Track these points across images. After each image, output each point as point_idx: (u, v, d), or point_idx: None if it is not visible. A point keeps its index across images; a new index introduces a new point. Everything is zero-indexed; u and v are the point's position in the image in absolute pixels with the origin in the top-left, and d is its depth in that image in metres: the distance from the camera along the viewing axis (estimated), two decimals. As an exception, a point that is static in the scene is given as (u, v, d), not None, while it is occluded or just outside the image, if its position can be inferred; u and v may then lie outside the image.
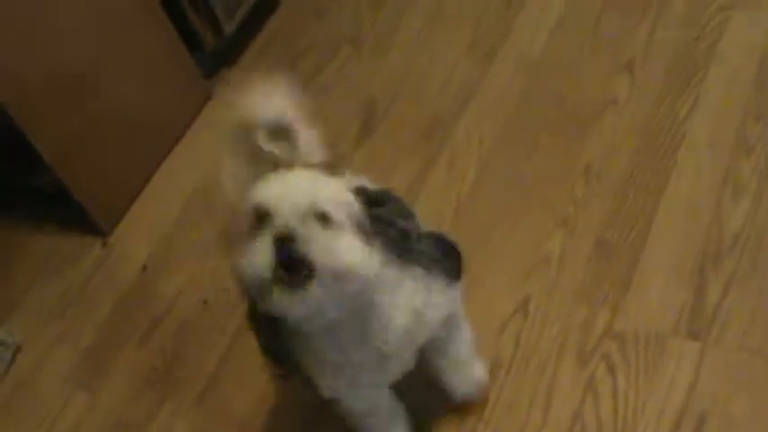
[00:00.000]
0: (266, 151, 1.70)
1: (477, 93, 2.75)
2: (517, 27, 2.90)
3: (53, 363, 2.55)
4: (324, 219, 1.53)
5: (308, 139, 1.78)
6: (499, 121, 2.65)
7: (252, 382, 2.30)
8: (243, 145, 1.74)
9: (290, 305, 1.52)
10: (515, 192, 2.45)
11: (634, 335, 2.10)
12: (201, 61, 3.03)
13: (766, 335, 2.04)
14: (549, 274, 2.26)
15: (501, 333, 2.18)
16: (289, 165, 1.69)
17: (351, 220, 1.57)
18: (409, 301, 1.70)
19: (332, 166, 1.69)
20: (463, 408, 2.07)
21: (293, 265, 1.49)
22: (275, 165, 1.70)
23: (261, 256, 1.50)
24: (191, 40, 2.98)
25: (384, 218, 1.63)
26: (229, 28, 3.06)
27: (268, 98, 1.76)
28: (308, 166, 1.68)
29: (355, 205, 1.60)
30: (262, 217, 1.53)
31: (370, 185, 1.72)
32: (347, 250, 1.54)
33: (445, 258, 1.77)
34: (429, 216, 2.43)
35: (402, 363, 1.81)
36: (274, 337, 1.70)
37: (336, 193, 1.59)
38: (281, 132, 1.73)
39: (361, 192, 1.63)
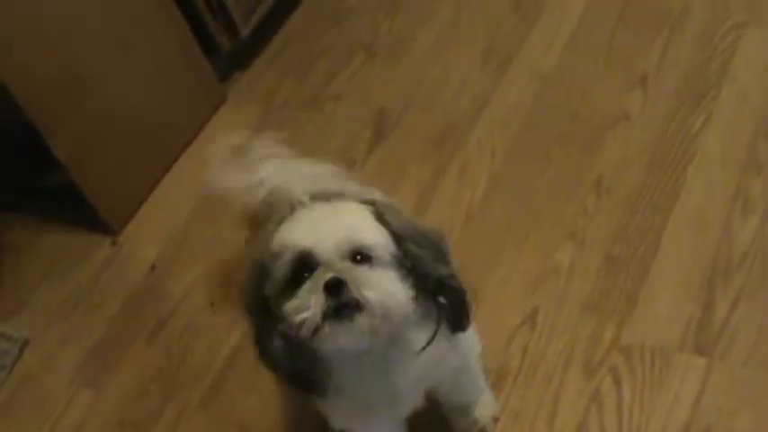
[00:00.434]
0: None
1: (490, 103, 2.76)
2: (531, 39, 2.90)
3: (60, 360, 2.56)
4: (367, 257, 1.57)
5: None
6: (511, 132, 2.66)
7: (257, 386, 2.31)
8: None
9: (339, 338, 1.56)
10: (525, 203, 2.46)
11: (641, 348, 2.10)
12: (217, 64, 3.04)
13: (773, 349, 2.05)
14: (558, 285, 2.26)
15: (509, 343, 2.19)
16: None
17: (388, 257, 1.60)
18: (428, 349, 1.70)
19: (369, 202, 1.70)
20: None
21: (344, 305, 1.53)
22: None
23: (313, 302, 1.53)
24: (206, 42, 2.99)
25: (417, 260, 1.64)
26: (245, 31, 3.07)
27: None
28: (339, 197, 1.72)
29: (391, 241, 1.61)
30: (306, 262, 1.56)
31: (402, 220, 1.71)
32: (393, 288, 1.58)
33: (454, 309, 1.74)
34: (440, 223, 2.46)
35: (412, 401, 1.82)
36: (292, 361, 1.69)
37: (375, 231, 1.61)
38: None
39: (394, 229, 1.64)
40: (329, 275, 1.53)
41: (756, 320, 2.09)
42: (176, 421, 2.32)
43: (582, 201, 2.41)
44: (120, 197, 2.81)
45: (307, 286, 1.55)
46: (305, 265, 1.56)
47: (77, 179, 2.66)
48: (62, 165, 2.62)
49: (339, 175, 2.00)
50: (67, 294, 2.70)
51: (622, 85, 2.66)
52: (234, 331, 2.43)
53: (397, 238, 1.62)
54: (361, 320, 1.54)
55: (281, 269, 1.58)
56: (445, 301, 1.69)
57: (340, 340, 1.57)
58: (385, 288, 1.56)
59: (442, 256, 1.69)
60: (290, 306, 1.56)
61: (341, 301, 1.52)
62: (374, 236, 1.60)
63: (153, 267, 2.67)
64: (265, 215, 1.86)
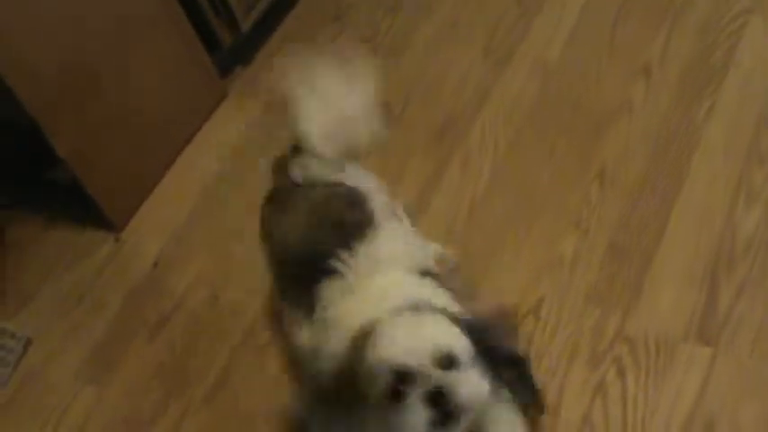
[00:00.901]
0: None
1: (492, 95, 2.75)
2: (533, 31, 2.89)
3: (63, 356, 2.55)
4: (455, 362, 1.62)
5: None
6: (513, 123, 2.65)
7: (260, 381, 2.31)
8: None
9: None
10: (529, 194, 2.46)
11: (645, 338, 2.10)
12: (218, 59, 3.03)
13: (777, 338, 2.05)
14: (562, 276, 2.26)
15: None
16: None
17: (469, 355, 1.64)
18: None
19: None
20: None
21: (448, 414, 1.59)
22: None
23: (419, 417, 1.58)
24: (208, 38, 2.98)
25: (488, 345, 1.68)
26: (246, 25, 3.07)
27: None
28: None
29: (468, 342, 1.66)
30: (403, 376, 1.60)
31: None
32: (482, 386, 1.63)
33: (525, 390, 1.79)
34: (443, 216, 2.45)
35: None
36: None
37: (458, 337, 1.66)
38: None
39: (464, 324, 1.69)
40: (429, 386, 1.58)
41: (760, 310, 2.09)
42: (181, 417, 2.32)
43: (585, 191, 2.40)
44: (123, 193, 2.80)
45: (409, 403, 1.59)
46: (403, 379, 1.60)
47: (80, 176, 2.65)
48: (64, 161, 2.61)
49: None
50: (70, 291, 2.70)
51: (625, 76, 2.66)
52: (237, 326, 2.43)
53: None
54: (461, 425, 1.59)
55: (378, 386, 1.62)
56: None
57: None
58: (478, 388, 1.62)
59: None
60: (395, 421, 1.60)
61: (444, 411, 1.57)
62: (458, 341, 1.65)
63: (156, 264, 2.66)
64: None
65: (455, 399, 1.58)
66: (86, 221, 2.81)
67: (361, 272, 1.84)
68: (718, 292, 2.14)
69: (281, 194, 2.09)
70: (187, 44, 2.91)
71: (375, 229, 1.92)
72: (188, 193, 2.81)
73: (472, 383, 1.62)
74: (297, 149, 2.07)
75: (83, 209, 2.76)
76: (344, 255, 1.85)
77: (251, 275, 2.49)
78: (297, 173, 2.05)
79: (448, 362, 1.61)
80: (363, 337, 1.67)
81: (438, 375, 1.59)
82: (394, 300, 1.74)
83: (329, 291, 1.84)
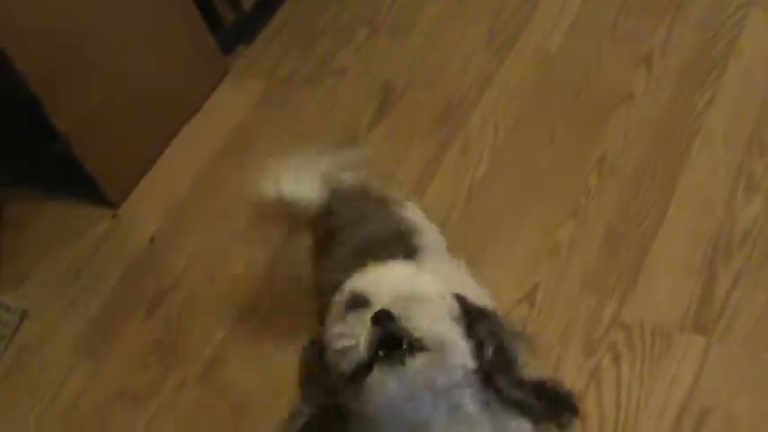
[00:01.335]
0: None
1: (494, 81, 2.75)
2: (536, 18, 2.89)
3: (60, 331, 2.56)
4: (422, 302, 1.48)
5: None
6: (514, 109, 2.65)
7: (256, 359, 2.32)
8: None
9: (388, 383, 1.43)
10: (527, 180, 2.46)
11: (641, 326, 2.11)
12: (219, 37, 3.03)
13: (773, 328, 2.06)
14: (559, 263, 2.26)
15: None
16: None
17: (449, 312, 1.51)
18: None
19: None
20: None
21: (394, 341, 1.43)
22: None
23: (358, 328, 1.44)
24: (210, 15, 2.98)
25: (485, 337, 1.54)
26: (248, 4, 3.06)
27: None
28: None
29: (455, 304, 1.53)
30: (358, 302, 1.49)
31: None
32: (449, 326, 1.48)
33: (553, 407, 1.61)
34: (441, 200, 2.46)
35: None
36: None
37: (436, 286, 1.54)
38: None
39: (460, 299, 1.56)
40: (378, 307, 1.45)
41: (757, 301, 2.10)
42: (176, 393, 2.33)
43: (585, 179, 2.40)
44: (121, 170, 2.81)
45: (354, 316, 1.47)
46: (357, 305, 1.49)
47: (78, 151, 2.65)
48: (62, 136, 2.61)
49: None
50: (68, 266, 2.70)
51: (627, 64, 2.65)
52: (234, 303, 2.44)
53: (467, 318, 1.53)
54: (414, 362, 1.43)
55: (333, 313, 1.52)
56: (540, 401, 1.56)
57: (390, 386, 1.44)
58: (440, 323, 1.46)
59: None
60: (333, 331, 1.48)
61: (388, 331, 1.43)
62: (434, 287, 1.53)
63: (152, 240, 2.67)
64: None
65: (406, 323, 1.42)
66: (84, 197, 2.81)
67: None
68: (716, 281, 2.14)
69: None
70: (189, 21, 2.90)
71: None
72: (187, 171, 2.81)
73: (433, 316, 1.46)
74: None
75: (81, 185, 2.76)
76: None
77: (249, 253, 2.52)
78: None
79: (412, 297, 1.48)
80: None
81: (394, 303, 1.45)
82: None
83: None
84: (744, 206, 2.25)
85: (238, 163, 2.76)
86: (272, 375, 2.26)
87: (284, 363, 2.25)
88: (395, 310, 1.44)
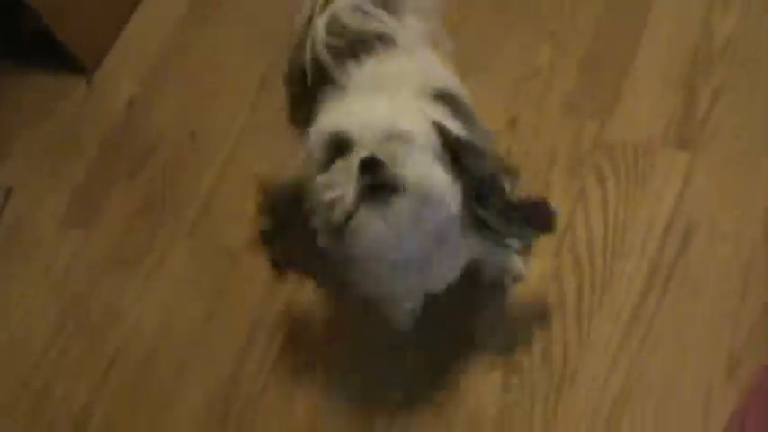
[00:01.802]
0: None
1: None
2: None
3: (46, 204, 2.55)
4: (406, 144, 1.48)
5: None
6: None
7: (243, 212, 2.29)
8: None
9: (375, 226, 1.45)
10: (502, 6, 2.41)
11: (623, 145, 2.11)
12: None
13: (754, 141, 2.05)
14: (538, 88, 2.24)
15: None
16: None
17: (430, 146, 1.51)
18: (469, 253, 1.67)
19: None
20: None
21: (381, 188, 1.44)
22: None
23: (345, 177, 1.45)
24: None
25: (467, 166, 1.55)
26: None
27: None
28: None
29: (435, 137, 1.53)
30: (341, 144, 1.48)
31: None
32: (434, 170, 1.49)
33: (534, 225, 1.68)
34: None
35: (446, 283, 1.76)
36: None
37: (419, 121, 1.53)
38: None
39: (441, 129, 1.56)
40: (364, 153, 1.45)
41: (737, 113, 2.10)
42: (166, 252, 2.34)
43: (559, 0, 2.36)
44: (92, 35, 2.73)
45: (339, 164, 1.47)
46: (341, 149, 1.48)
47: (46, 18, 2.58)
48: (29, 7, 2.56)
49: None
50: (47, 138, 2.66)
51: None
52: (216, 160, 2.43)
53: (448, 148, 1.54)
54: (401, 204, 1.44)
55: (314, 157, 1.51)
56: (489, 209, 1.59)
57: (376, 229, 1.46)
58: (424, 168, 1.47)
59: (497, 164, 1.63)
60: (320, 181, 1.48)
61: (376, 180, 1.44)
62: (416, 123, 1.52)
63: (130, 103, 2.63)
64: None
65: (393, 170, 1.44)
66: (57, 68, 2.75)
67: (360, 85, 1.68)
68: (696, 95, 2.14)
69: None
70: None
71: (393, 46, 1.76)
72: (159, 30, 2.74)
73: (419, 163, 1.47)
74: None
75: (53, 55, 2.71)
76: (351, 66, 1.70)
77: (227, 109, 2.50)
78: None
79: (395, 138, 1.48)
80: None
81: (378, 146, 1.46)
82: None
83: (326, 101, 1.67)
84: (720, 18, 2.22)
85: (210, 16, 2.70)
86: (258, 227, 2.26)
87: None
88: (381, 155, 1.44)
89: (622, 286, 1.97)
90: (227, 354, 2.16)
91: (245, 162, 2.41)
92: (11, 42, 2.81)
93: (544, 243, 2.02)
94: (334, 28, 1.75)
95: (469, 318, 2.02)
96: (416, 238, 1.52)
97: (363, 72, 1.69)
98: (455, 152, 1.55)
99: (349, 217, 1.46)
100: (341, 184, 1.46)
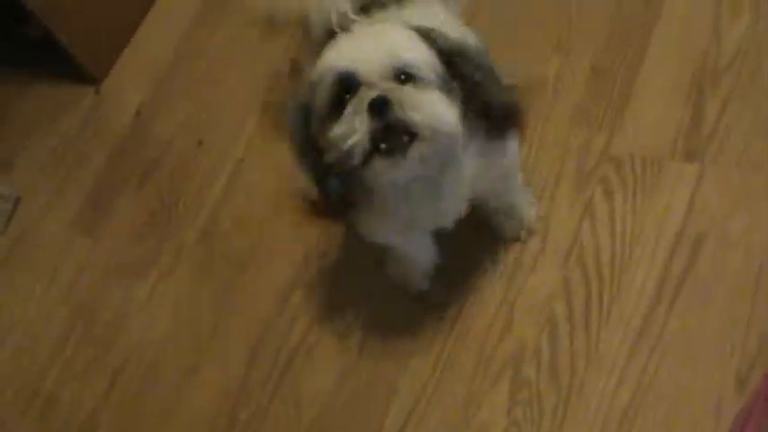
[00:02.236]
0: None
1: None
2: None
3: (54, 212, 2.56)
4: (411, 77, 1.53)
5: None
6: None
7: (250, 221, 2.33)
8: None
9: (391, 171, 1.54)
10: (508, 16, 2.39)
11: (631, 157, 2.10)
12: None
13: (763, 151, 2.04)
14: (545, 99, 2.23)
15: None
16: None
17: (434, 77, 1.56)
18: (474, 161, 1.69)
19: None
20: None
21: (392, 130, 1.49)
22: None
23: (358, 124, 1.49)
24: None
25: (466, 78, 1.60)
26: None
27: None
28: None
29: (437, 62, 1.57)
30: (348, 83, 1.52)
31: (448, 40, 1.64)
32: (441, 109, 1.53)
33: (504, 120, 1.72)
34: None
35: (457, 214, 1.80)
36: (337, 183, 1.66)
37: (420, 51, 1.56)
38: None
39: (440, 47, 1.59)
40: (373, 94, 1.49)
41: (746, 122, 2.08)
42: (174, 261, 2.34)
43: (566, 10, 2.35)
44: (100, 44, 2.74)
45: (350, 108, 1.51)
46: (347, 87, 1.52)
47: (53, 28, 2.59)
48: (36, 16, 2.56)
49: None
50: (55, 146, 2.68)
51: None
52: (224, 169, 2.43)
53: (444, 56, 1.58)
54: (415, 153, 1.51)
55: (321, 94, 1.55)
56: (493, 115, 1.65)
57: (392, 172, 1.54)
58: (432, 108, 1.52)
59: (489, 71, 1.65)
60: (334, 132, 1.52)
61: (387, 122, 1.48)
62: (419, 55, 1.56)
63: (138, 113, 2.63)
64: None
65: (400, 112, 1.48)
66: (66, 76, 2.76)
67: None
68: (704, 105, 2.13)
69: None
70: None
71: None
72: (166, 40, 2.75)
73: (427, 103, 1.52)
74: None
75: (61, 64, 2.71)
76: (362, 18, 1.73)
77: (234, 117, 2.51)
78: None
79: (403, 76, 1.53)
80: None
81: (386, 86, 1.51)
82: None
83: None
84: (729, 27, 2.21)
85: (217, 27, 2.70)
86: (266, 233, 2.29)
87: (279, 221, 2.30)
88: (389, 96, 1.49)
89: (631, 297, 1.96)
90: (235, 362, 2.16)
91: (252, 171, 2.41)
92: (19, 51, 2.82)
93: (552, 255, 2.04)
94: None
95: (477, 329, 2.03)
96: (425, 169, 1.59)
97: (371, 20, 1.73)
98: (450, 57, 1.60)
99: (364, 161, 1.52)
100: (355, 131, 1.50)
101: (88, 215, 2.51)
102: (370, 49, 1.55)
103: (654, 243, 2.00)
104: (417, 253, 2.04)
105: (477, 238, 2.09)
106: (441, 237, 1.99)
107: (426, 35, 1.59)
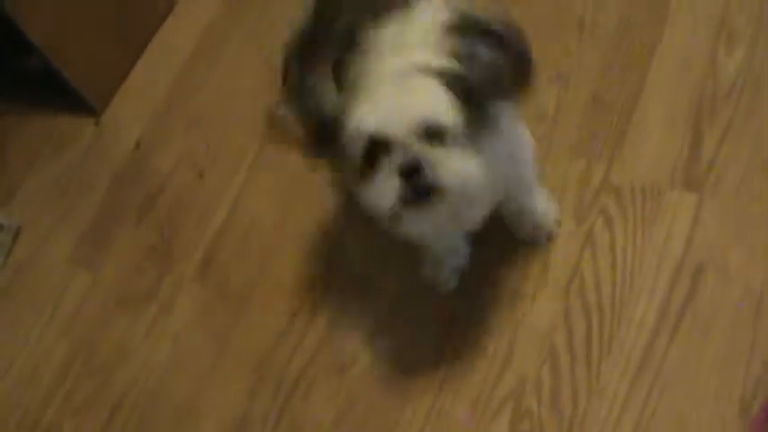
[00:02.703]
0: None
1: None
2: None
3: (53, 244, 2.55)
4: (439, 134, 1.56)
5: None
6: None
7: (250, 254, 2.33)
8: None
9: (418, 225, 1.63)
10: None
11: (631, 188, 2.10)
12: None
13: (762, 181, 2.04)
14: (544, 129, 2.24)
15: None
16: None
17: (460, 127, 1.58)
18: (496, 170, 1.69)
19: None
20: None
21: (422, 190, 1.54)
22: None
23: (389, 189, 1.55)
24: None
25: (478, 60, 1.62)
26: None
27: None
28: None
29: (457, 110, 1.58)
30: (378, 145, 1.55)
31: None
32: (468, 168, 1.58)
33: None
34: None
35: (477, 222, 1.82)
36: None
37: (445, 106, 1.58)
38: None
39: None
40: (405, 158, 1.53)
41: (745, 152, 2.09)
42: (173, 295, 2.33)
43: (565, 42, 2.36)
44: (100, 76, 2.75)
45: (382, 174, 1.55)
46: (379, 147, 1.56)
47: (54, 61, 2.60)
48: (37, 48, 2.57)
49: None
50: (55, 178, 2.68)
51: None
52: (224, 202, 2.43)
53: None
54: (441, 207, 1.56)
55: (354, 152, 1.58)
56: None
57: (420, 227, 1.63)
58: (462, 169, 1.56)
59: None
60: (368, 194, 1.58)
61: (418, 186, 1.53)
62: (445, 108, 1.58)
63: (138, 145, 2.64)
64: None
65: (431, 175, 1.53)
66: (66, 108, 2.77)
67: (380, 49, 1.72)
68: (703, 136, 2.13)
69: None
70: None
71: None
72: (166, 72, 2.76)
73: (457, 164, 1.56)
74: None
75: (61, 95, 2.72)
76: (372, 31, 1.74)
77: (234, 150, 2.51)
78: None
79: (431, 134, 1.56)
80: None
81: (417, 147, 1.54)
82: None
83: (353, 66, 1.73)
84: (726, 59, 2.22)
85: (215, 61, 2.72)
86: (267, 266, 2.29)
87: (279, 253, 2.30)
88: (423, 157, 1.53)
89: (632, 329, 1.96)
90: (236, 395, 2.15)
91: (252, 203, 2.41)
92: (18, 81, 2.83)
93: (553, 286, 2.04)
94: None
95: (478, 361, 2.02)
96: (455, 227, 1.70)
97: (384, 35, 1.72)
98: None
99: (394, 218, 1.58)
100: (386, 192, 1.55)
101: (88, 247, 2.51)
102: (399, 108, 1.57)
103: (654, 274, 2.00)
104: (447, 249, 2.07)
105: (475, 271, 2.10)
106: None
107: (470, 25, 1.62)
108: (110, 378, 2.29)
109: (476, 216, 1.75)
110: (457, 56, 1.61)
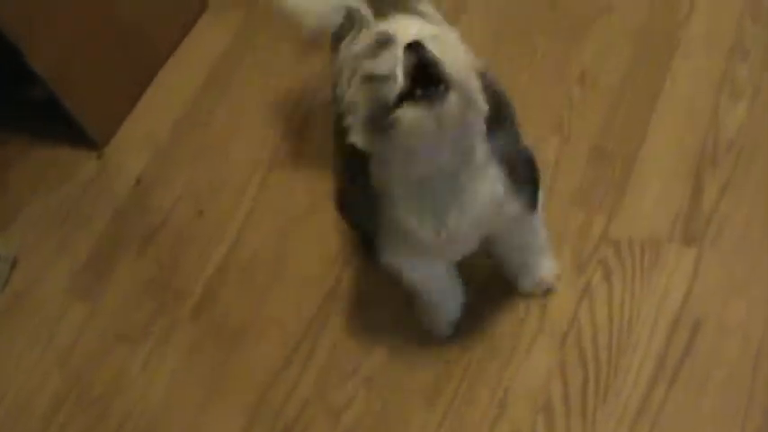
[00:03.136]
0: None
1: (467, 3, 2.70)
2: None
3: (51, 276, 2.55)
4: (445, 42, 1.55)
5: None
6: (491, 24, 2.61)
7: (249, 291, 2.33)
8: None
9: (423, 122, 1.50)
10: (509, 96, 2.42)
11: (630, 241, 2.11)
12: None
13: (761, 236, 2.06)
14: (545, 180, 2.23)
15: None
16: None
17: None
18: (490, 186, 1.71)
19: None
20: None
21: (426, 78, 1.48)
22: None
23: (395, 65, 1.49)
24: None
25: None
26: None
27: None
28: None
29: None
30: (385, 41, 1.53)
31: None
32: (468, 59, 1.58)
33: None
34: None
35: (467, 246, 1.84)
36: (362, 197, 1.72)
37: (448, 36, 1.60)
38: None
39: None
40: (409, 38, 1.50)
41: (745, 207, 2.10)
42: (169, 332, 2.33)
43: (567, 94, 2.38)
44: (104, 110, 2.77)
45: (386, 52, 1.51)
46: (383, 42, 1.53)
47: (59, 93, 2.61)
48: (40, 78, 2.58)
49: None
50: (55, 210, 2.67)
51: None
52: (224, 240, 2.44)
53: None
54: (450, 101, 1.49)
55: (361, 52, 1.56)
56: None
57: (424, 123, 1.49)
58: (463, 58, 1.55)
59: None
60: (366, 65, 1.53)
61: (423, 58, 1.47)
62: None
63: (139, 180, 2.64)
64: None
65: (436, 53, 1.48)
66: (68, 140, 2.77)
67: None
68: (703, 190, 2.15)
69: None
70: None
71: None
72: (171, 107, 2.77)
73: (459, 59, 1.54)
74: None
75: (64, 127, 2.72)
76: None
77: (236, 188, 2.52)
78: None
79: (437, 37, 1.54)
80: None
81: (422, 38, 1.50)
82: None
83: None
84: (728, 112, 2.25)
85: (222, 97, 2.74)
86: (265, 304, 2.30)
87: (278, 290, 2.31)
88: (425, 41, 1.49)
89: (628, 381, 1.96)
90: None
91: (252, 242, 2.42)
92: (21, 112, 2.84)
93: (549, 337, 2.04)
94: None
95: (471, 413, 2.02)
96: (450, 141, 1.58)
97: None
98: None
99: (400, 98, 1.49)
100: (389, 66, 1.50)
101: (86, 279, 2.51)
102: (408, 22, 1.60)
103: (652, 326, 2.00)
104: (442, 295, 2.06)
105: (470, 322, 2.10)
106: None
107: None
108: (105, 411, 2.28)
109: (475, 215, 1.72)
110: None
